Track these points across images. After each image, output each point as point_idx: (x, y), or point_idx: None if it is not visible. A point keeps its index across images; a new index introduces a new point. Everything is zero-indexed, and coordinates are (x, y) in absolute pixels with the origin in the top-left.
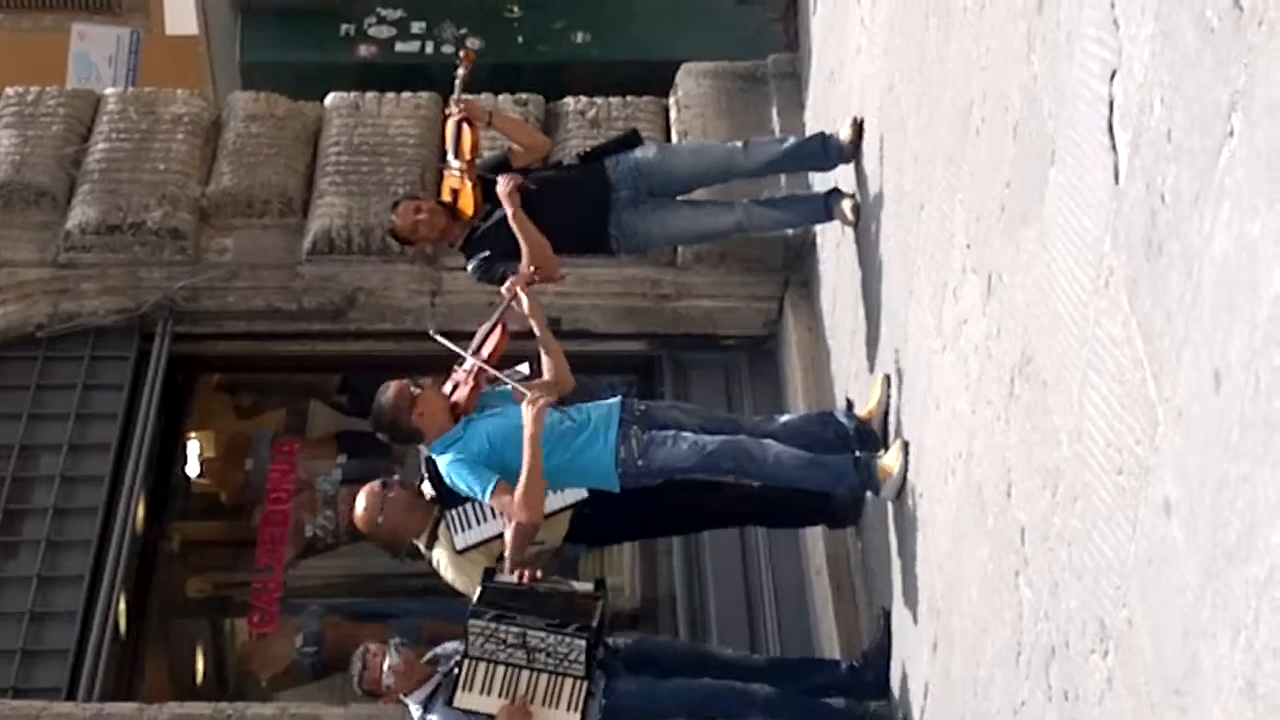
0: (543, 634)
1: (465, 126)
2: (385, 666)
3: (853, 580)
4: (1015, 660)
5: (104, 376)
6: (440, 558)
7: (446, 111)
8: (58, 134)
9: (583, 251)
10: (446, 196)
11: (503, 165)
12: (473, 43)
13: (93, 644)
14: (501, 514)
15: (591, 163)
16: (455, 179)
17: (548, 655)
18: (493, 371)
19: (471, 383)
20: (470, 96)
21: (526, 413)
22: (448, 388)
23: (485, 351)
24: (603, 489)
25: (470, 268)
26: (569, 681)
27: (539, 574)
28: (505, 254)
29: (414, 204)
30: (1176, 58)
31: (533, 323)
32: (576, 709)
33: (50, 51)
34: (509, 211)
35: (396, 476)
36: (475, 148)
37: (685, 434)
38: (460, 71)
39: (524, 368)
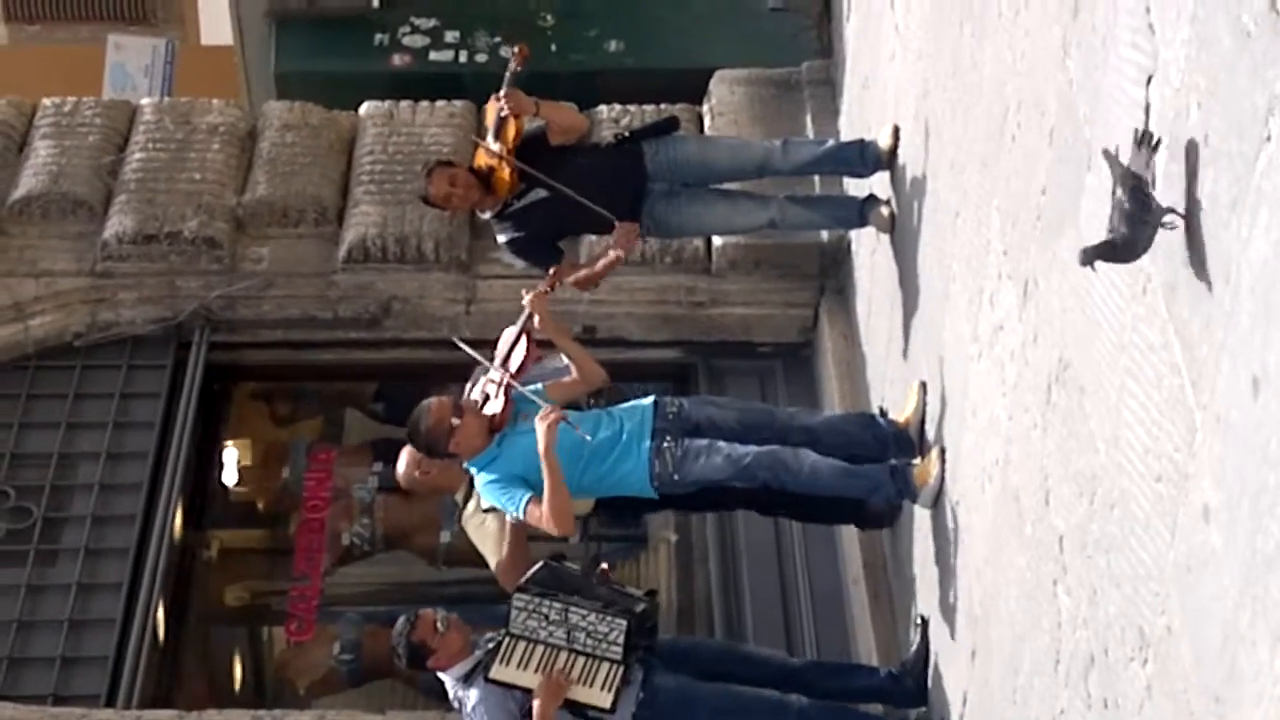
0: (585, 611)
1: (511, 119)
2: (439, 619)
3: (890, 588)
4: (1054, 668)
5: (141, 385)
6: (470, 514)
7: (495, 97)
8: (94, 144)
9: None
10: (480, 163)
11: (539, 140)
12: (508, 51)
13: (131, 651)
14: None
15: (630, 146)
16: (492, 159)
17: (588, 635)
18: (520, 389)
19: (503, 396)
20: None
21: (539, 428)
22: (477, 395)
23: (514, 363)
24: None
25: (503, 240)
26: (605, 664)
27: (607, 572)
28: (537, 235)
29: (448, 173)
30: (1213, 62)
31: (550, 336)
32: (611, 690)
33: (87, 62)
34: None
35: None
36: (517, 138)
37: (719, 444)
38: (513, 65)
39: (558, 362)
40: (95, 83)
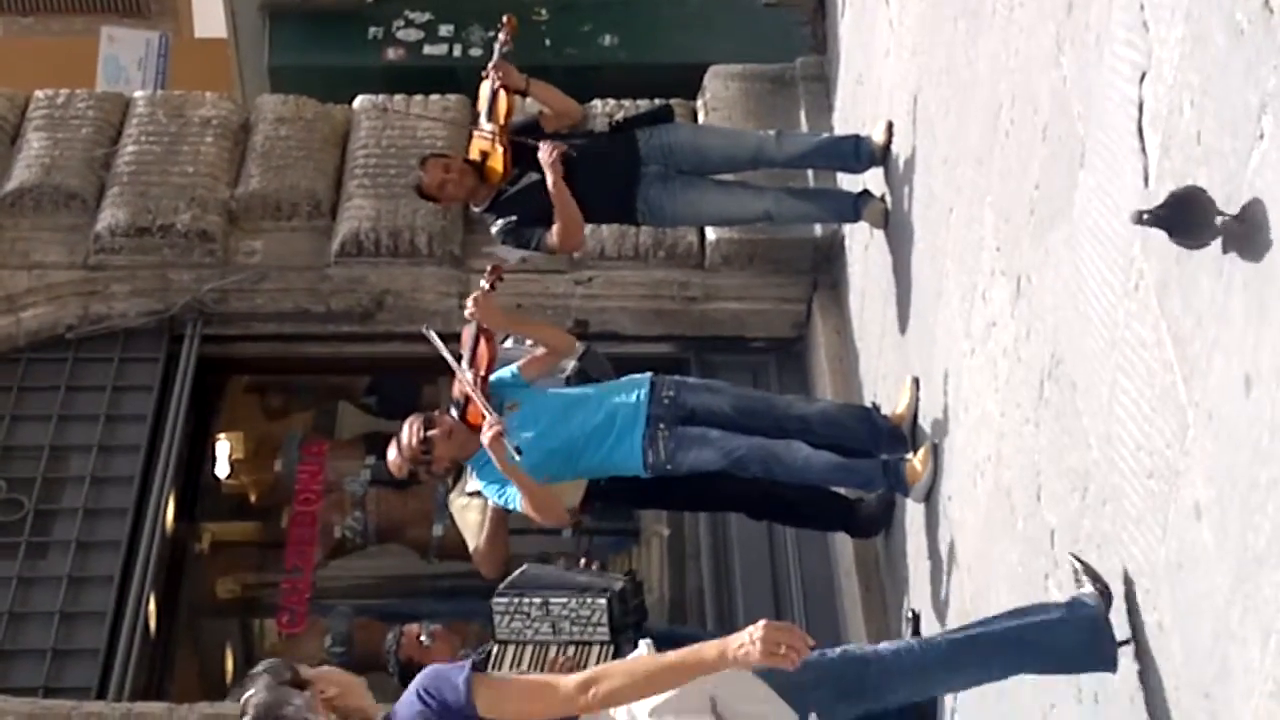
0: (564, 600)
1: (502, 93)
2: (424, 633)
3: (882, 582)
4: None
5: (133, 378)
6: (455, 497)
7: (484, 74)
8: (87, 136)
9: (609, 219)
10: (474, 155)
11: (533, 128)
12: (504, 37)
13: (123, 644)
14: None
15: (623, 132)
16: (486, 142)
17: (572, 623)
18: (479, 395)
19: (479, 396)
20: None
21: (486, 443)
22: (455, 391)
23: (481, 362)
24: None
25: (495, 229)
26: (596, 647)
27: (590, 559)
28: (533, 219)
29: (442, 163)
30: (1206, 60)
31: (508, 331)
32: None
33: (80, 54)
34: (550, 179)
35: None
36: (510, 113)
37: (712, 434)
38: (501, 37)
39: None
40: (89, 75)
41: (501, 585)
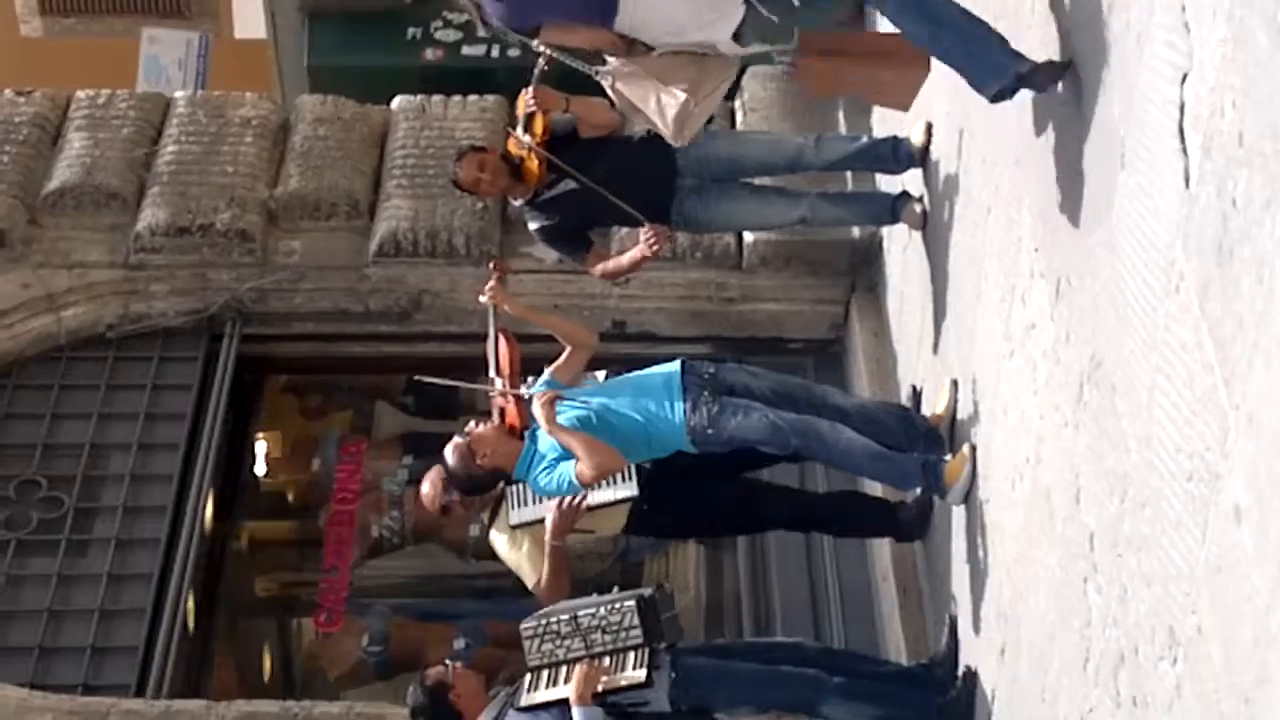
0: (592, 610)
1: (539, 114)
2: (450, 662)
3: (920, 586)
4: (1083, 667)
5: (173, 377)
6: (498, 535)
7: (524, 94)
8: (128, 136)
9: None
10: (511, 150)
11: (570, 136)
12: (539, 45)
13: (161, 642)
14: (548, 499)
15: (660, 141)
16: (522, 151)
17: (603, 632)
18: (515, 392)
19: (511, 400)
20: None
21: (538, 413)
22: (495, 414)
23: (504, 366)
24: (679, 450)
25: (533, 228)
26: (631, 652)
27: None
28: (569, 229)
29: (478, 159)
30: (1248, 61)
31: (524, 318)
32: (643, 666)
33: (121, 55)
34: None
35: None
36: (545, 131)
37: (755, 405)
38: (541, 64)
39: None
40: (129, 75)
41: (526, 619)
